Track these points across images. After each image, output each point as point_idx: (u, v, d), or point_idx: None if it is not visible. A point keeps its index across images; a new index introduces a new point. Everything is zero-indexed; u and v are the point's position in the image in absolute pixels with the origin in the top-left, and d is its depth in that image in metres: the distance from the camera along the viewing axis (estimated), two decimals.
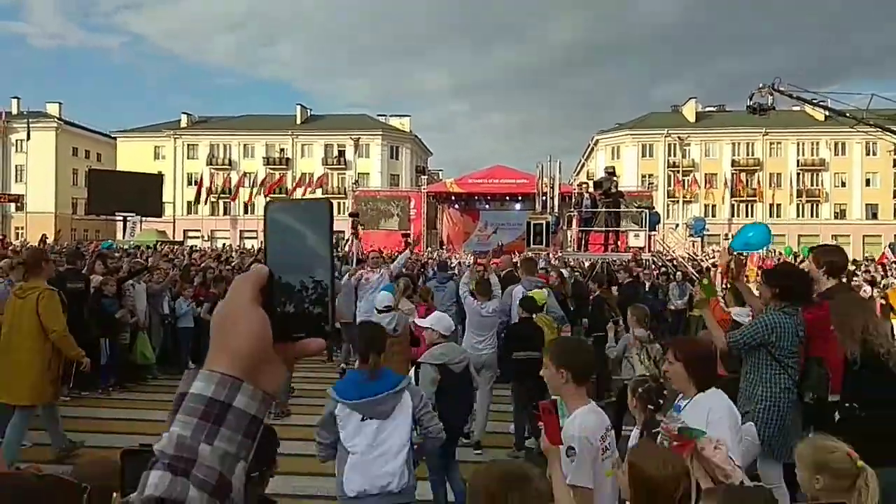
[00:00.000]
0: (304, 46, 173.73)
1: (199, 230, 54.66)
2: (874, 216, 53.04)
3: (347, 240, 18.46)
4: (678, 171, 53.56)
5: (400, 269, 9.49)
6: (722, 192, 53.99)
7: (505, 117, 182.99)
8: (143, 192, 37.68)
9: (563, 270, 11.98)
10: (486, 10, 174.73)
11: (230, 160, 57.88)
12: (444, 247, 32.02)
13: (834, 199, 53.81)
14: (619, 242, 17.97)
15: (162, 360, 9.91)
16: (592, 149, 61.26)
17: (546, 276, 10.05)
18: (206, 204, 54.83)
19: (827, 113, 27.76)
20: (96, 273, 9.30)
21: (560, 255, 18.17)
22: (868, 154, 52.47)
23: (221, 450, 0.62)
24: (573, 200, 20.08)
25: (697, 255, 20.75)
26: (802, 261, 16.59)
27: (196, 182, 54.38)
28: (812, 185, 54.25)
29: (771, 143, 54.67)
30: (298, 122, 59.57)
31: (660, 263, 16.69)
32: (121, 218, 36.47)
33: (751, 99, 21.10)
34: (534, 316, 6.87)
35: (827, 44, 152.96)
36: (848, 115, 22.28)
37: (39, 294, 5.66)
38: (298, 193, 48.16)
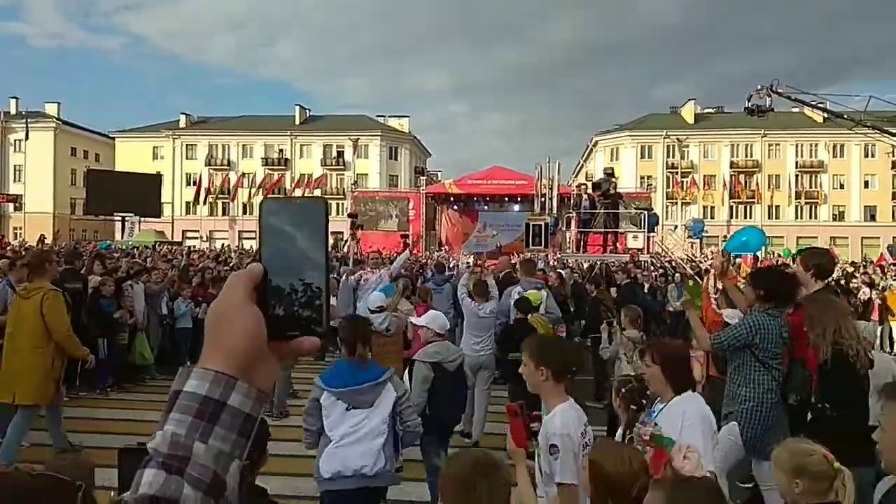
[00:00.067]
0: (304, 46, 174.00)
1: (198, 230, 54.61)
2: (872, 218, 53.11)
3: (346, 241, 18.47)
4: (677, 173, 53.63)
5: (399, 269, 9.50)
6: (721, 193, 54.05)
7: (505, 117, 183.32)
8: (142, 193, 37.68)
9: (563, 271, 11.99)
10: (486, 10, 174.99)
11: (229, 160, 57.85)
12: (442, 248, 32.00)
13: (832, 200, 53.87)
14: (617, 244, 18.00)
15: (160, 360, 9.90)
16: (591, 150, 61.27)
17: (545, 277, 10.06)
18: (204, 204, 54.83)
19: (825, 115, 27.78)
20: (94, 273, 9.29)
21: (559, 256, 18.18)
22: (867, 156, 52.56)
23: (216, 448, 0.62)
24: (572, 202, 20.11)
25: (696, 257, 20.74)
26: None
27: (195, 182, 54.41)
28: (811, 186, 54.30)
29: (770, 145, 54.73)
30: (297, 122, 59.56)
31: (658, 265, 16.70)
32: (119, 218, 36.47)
33: (749, 100, 21.13)
34: (529, 317, 6.89)
35: (826, 44, 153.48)
36: (846, 116, 22.31)
37: (44, 295, 5.69)
38: (297, 194, 48.13)
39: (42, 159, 54.99)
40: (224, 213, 56.20)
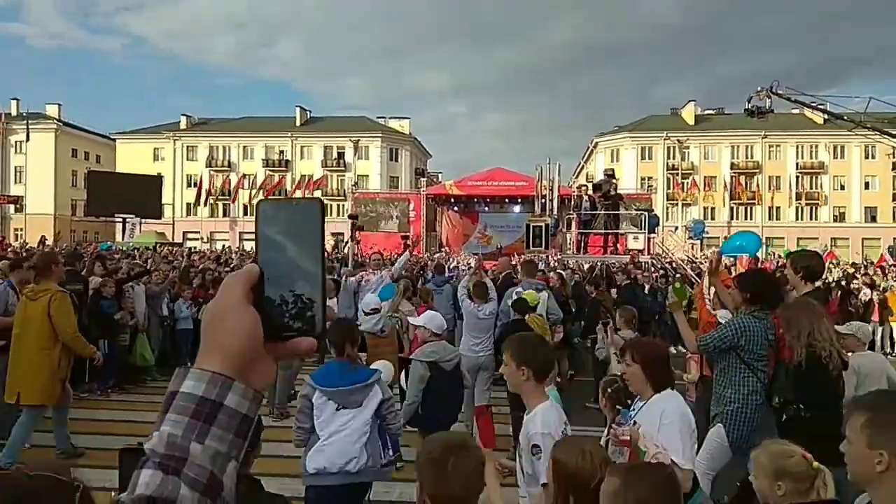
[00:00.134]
0: (304, 46, 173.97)
1: (199, 232, 54.66)
2: (873, 219, 53.11)
3: (346, 242, 18.48)
4: (677, 174, 53.62)
5: (400, 270, 9.51)
6: (721, 194, 54.03)
7: (505, 118, 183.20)
8: (143, 194, 37.66)
9: (564, 272, 11.99)
10: (486, 10, 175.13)
11: (229, 162, 57.89)
12: (443, 249, 32.00)
13: (833, 202, 53.86)
14: (618, 245, 18.00)
15: (161, 361, 9.90)
16: (592, 151, 61.27)
17: (546, 278, 10.06)
18: (205, 206, 54.90)
19: (826, 116, 27.79)
20: (95, 275, 9.30)
21: (559, 257, 18.16)
22: (867, 157, 52.55)
23: (213, 449, 0.62)
24: (572, 203, 20.12)
25: (696, 258, 20.74)
26: None
27: (195, 184, 54.46)
28: (811, 188, 54.30)
29: (770, 146, 54.71)
30: (298, 123, 59.62)
31: (659, 266, 16.70)
32: (120, 219, 36.49)
33: (749, 102, 21.13)
34: (526, 317, 6.89)
35: (826, 44, 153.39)
36: (846, 118, 22.31)
37: (51, 296, 5.73)
38: (298, 195, 48.12)
39: (43, 161, 55.05)
40: (225, 215, 56.23)
